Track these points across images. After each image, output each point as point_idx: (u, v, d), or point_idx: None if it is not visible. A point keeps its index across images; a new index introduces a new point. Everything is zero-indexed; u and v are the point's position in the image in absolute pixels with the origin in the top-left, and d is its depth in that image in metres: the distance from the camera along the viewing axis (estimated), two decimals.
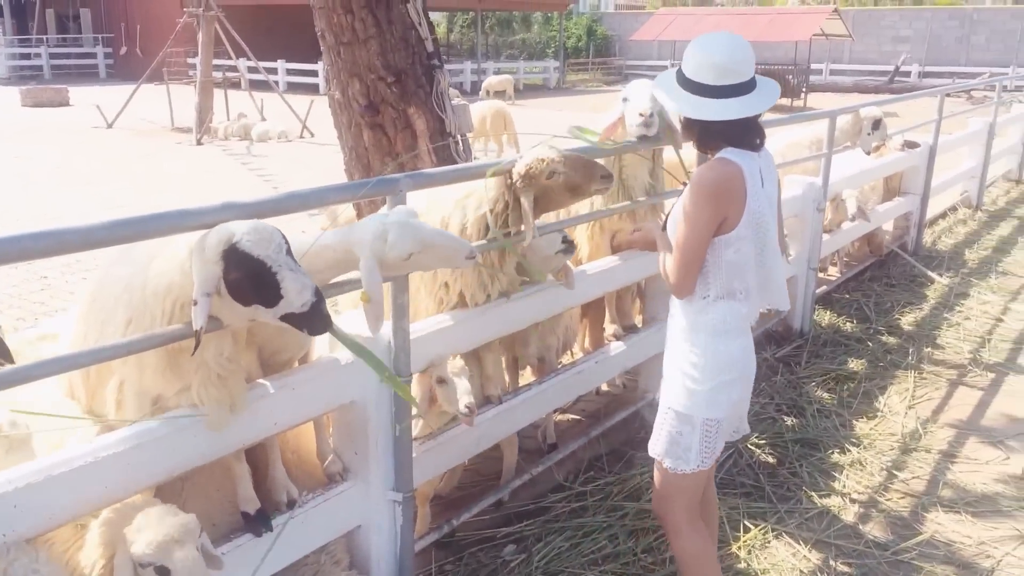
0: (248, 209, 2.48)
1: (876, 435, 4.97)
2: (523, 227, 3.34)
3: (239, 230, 2.23)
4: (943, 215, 10.51)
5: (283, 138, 18.56)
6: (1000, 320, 6.92)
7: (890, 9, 36.49)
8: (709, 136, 2.81)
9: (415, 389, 3.10)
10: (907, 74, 33.45)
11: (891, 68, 33.21)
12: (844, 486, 4.44)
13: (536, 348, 4.23)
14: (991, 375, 5.86)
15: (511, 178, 3.27)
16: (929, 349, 6.27)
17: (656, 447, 3.00)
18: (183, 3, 19.65)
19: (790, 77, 27.83)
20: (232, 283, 2.23)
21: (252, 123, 18.99)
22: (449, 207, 3.38)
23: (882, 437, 4.96)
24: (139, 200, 12.02)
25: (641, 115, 4.07)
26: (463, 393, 3.12)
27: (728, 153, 2.74)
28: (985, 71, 29.60)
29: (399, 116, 4.60)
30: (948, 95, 9.19)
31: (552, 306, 3.95)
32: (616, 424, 4.73)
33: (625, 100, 4.25)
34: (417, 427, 3.12)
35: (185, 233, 2.38)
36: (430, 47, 4.67)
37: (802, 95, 27.32)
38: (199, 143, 18.08)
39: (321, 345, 3.09)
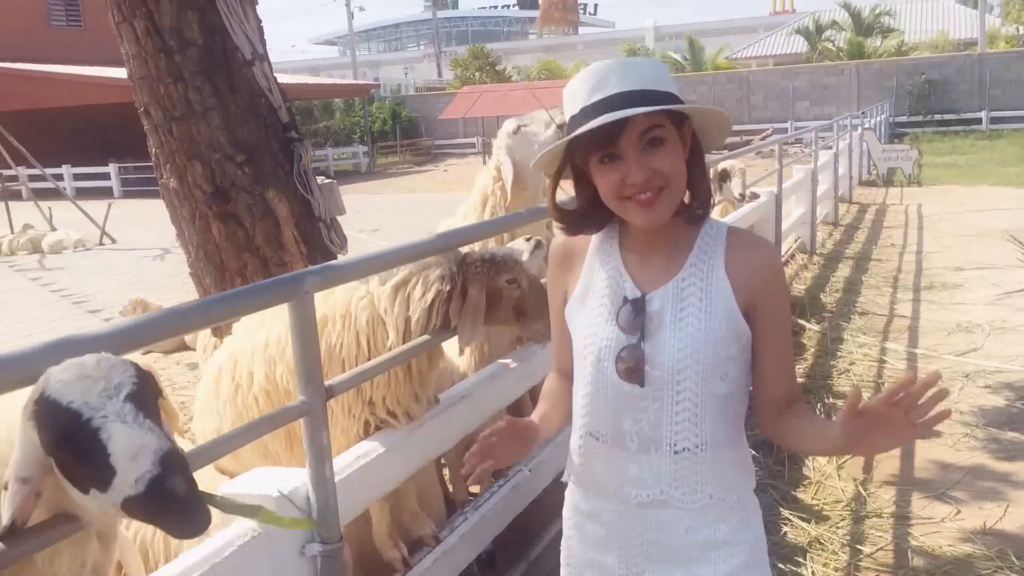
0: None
1: (822, 505, 4.55)
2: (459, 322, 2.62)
3: (55, 369, 1.42)
4: (786, 263, 10.66)
5: (80, 247, 16.70)
6: (883, 361, 6.85)
7: (675, 76, 38.69)
8: None
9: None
10: None
11: None
12: (813, 572, 3.95)
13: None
14: None
15: (467, 261, 2.58)
16: (831, 400, 6.03)
17: None
18: None
19: None
20: (53, 454, 1.41)
21: (41, 234, 16.99)
22: (384, 296, 2.62)
23: (828, 506, 4.55)
24: None
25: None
26: None
27: None
28: (768, 127, 31.89)
29: (255, 202, 3.75)
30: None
31: (500, 400, 3.27)
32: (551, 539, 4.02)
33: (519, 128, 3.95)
34: None
35: None
36: (284, 117, 3.87)
37: None
38: None
39: None
